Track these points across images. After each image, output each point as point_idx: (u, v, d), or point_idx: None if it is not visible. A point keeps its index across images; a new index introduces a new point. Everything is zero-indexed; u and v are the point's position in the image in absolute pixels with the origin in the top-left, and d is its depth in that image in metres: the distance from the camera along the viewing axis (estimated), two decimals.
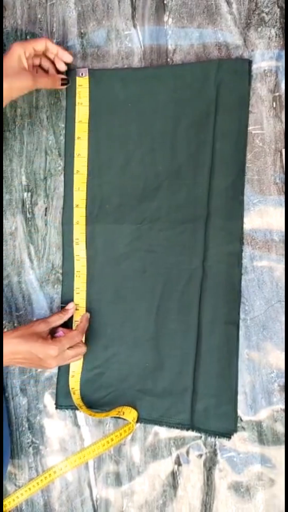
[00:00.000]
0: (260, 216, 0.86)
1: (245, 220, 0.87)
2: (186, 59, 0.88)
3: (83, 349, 0.89)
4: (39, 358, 0.81)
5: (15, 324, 0.96)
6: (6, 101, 0.82)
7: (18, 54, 0.82)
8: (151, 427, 0.91)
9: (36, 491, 0.94)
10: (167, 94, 0.88)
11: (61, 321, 0.89)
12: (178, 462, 0.90)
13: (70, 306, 0.92)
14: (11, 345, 0.80)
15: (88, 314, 0.92)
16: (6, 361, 0.80)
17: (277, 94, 0.85)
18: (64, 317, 0.90)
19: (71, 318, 0.91)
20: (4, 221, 0.95)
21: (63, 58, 0.88)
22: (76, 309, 0.92)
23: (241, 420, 0.88)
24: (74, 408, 0.93)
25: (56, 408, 0.94)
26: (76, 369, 0.92)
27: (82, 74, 0.90)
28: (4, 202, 0.95)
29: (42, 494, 0.96)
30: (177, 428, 0.90)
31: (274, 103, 0.85)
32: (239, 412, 0.87)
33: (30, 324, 0.84)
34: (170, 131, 0.88)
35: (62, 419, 0.95)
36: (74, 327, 0.92)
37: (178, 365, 0.89)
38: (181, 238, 0.88)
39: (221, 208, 0.87)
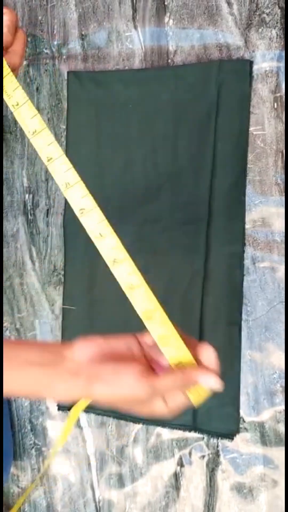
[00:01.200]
0: (261, 217, 0.86)
1: (247, 220, 0.87)
2: (187, 60, 0.88)
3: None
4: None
5: (17, 326, 0.96)
6: None
7: None
8: (153, 429, 0.91)
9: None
10: (168, 95, 0.88)
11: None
12: (180, 463, 0.90)
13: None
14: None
15: None
16: None
17: (278, 94, 0.85)
18: None
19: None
20: (5, 223, 0.95)
21: None
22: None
23: (244, 421, 0.87)
24: None
25: (58, 409, 0.94)
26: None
27: None
28: (6, 204, 0.95)
29: (44, 496, 0.96)
30: (180, 429, 0.90)
31: (275, 104, 0.85)
32: (242, 413, 0.87)
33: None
34: (171, 132, 0.88)
35: (64, 420, 0.95)
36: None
37: None
38: (183, 239, 0.88)
39: (222, 209, 0.87)
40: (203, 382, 0.56)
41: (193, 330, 0.88)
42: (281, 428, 0.86)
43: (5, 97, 0.64)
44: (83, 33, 0.92)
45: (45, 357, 0.57)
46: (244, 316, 0.87)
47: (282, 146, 0.85)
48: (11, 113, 0.94)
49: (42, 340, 0.95)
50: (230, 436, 0.87)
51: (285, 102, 0.84)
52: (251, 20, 0.86)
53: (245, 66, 0.85)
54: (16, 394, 0.57)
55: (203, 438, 0.89)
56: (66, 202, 0.93)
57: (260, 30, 0.85)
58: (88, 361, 0.56)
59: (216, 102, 0.86)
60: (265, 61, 0.85)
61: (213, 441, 0.89)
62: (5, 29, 0.61)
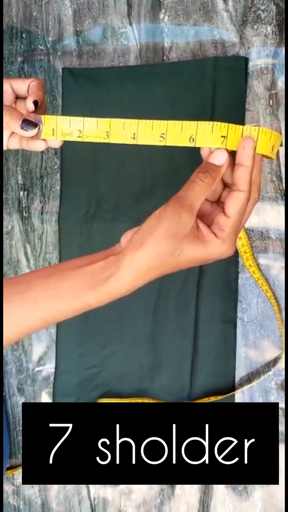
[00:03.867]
0: (257, 214, 0.86)
1: None
2: (182, 56, 0.88)
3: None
4: (201, 263, 0.56)
5: None
6: None
7: None
8: None
9: None
10: (163, 92, 0.88)
11: (209, 191, 0.57)
12: None
13: (220, 157, 0.57)
14: (149, 271, 0.55)
15: None
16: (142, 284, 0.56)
17: (273, 91, 0.85)
18: (214, 183, 0.57)
19: None
20: None
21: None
22: None
23: None
24: None
25: None
26: None
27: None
28: None
29: (39, 494, 0.95)
30: None
31: (270, 101, 0.85)
32: None
33: (161, 226, 0.54)
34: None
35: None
36: None
37: (176, 364, 0.89)
38: None
39: None
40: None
41: (188, 328, 0.88)
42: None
43: (67, 139, 0.65)
44: (78, 29, 0.91)
45: (98, 256, 0.58)
46: (239, 314, 0.87)
47: None
48: None
49: (36, 339, 0.95)
50: None
51: (285, 100, 0.84)
52: (246, 17, 0.85)
53: (241, 63, 0.85)
54: (71, 308, 0.56)
55: None
56: (61, 199, 0.92)
57: (255, 26, 0.85)
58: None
59: (211, 99, 0.86)
60: (260, 57, 0.85)
61: None
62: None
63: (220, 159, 0.56)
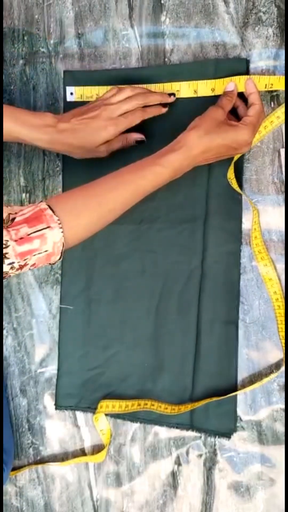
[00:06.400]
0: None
1: (244, 219, 0.87)
2: (183, 59, 0.88)
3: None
4: (233, 148, 0.78)
5: (14, 325, 0.96)
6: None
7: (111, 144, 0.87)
8: (151, 427, 0.91)
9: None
10: None
11: (231, 105, 0.82)
12: (178, 462, 0.90)
13: (231, 87, 0.83)
14: (202, 145, 0.76)
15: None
16: (196, 162, 0.78)
17: (274, 93, 0.85)
18: (233, 100, 0.82)
19: None
20: None
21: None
22: None
23: (241, 419, 0.87)
24: (73, 408, 0.93)
25: (56, 408, 0.94)
26: (104, 427, 0.92)
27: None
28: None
29: (42, 495, 0.96)
30: (177, 428, 0.90)
31: (272, 103, 0.85)
32: (239, 412, 0.87)
33: (207, 115, 0.78)
34: (168, 130, 0.88)
35: (62, 419, 0.95)
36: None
37: (178, 365, 0.89)
38: (180, 238, 0.88)
39: (219, 208, 0.87)
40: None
41: (190, 329, 0.88)
42: (278, 426, 0.86)
43: None
44: (79, 31, 0.92)
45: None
46: (241, 315, 0.87)
47: (278, 145, 0.85)
48: None
49: (39, 340, 0.95)
50: (228, 434, 0.87)
51: (285, 101, 0.84)
52: (247, 19, 0.85)
53: (242, 65, 0.85)
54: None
55: (201, 437, 0.89)
56: None
57: (256, 28, 0.85)
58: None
59: (212, 101, 0.86)
60: (261, 59, 0.85)
61: (211, 440, 0.89)
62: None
63: (231, 86, 0.83)
